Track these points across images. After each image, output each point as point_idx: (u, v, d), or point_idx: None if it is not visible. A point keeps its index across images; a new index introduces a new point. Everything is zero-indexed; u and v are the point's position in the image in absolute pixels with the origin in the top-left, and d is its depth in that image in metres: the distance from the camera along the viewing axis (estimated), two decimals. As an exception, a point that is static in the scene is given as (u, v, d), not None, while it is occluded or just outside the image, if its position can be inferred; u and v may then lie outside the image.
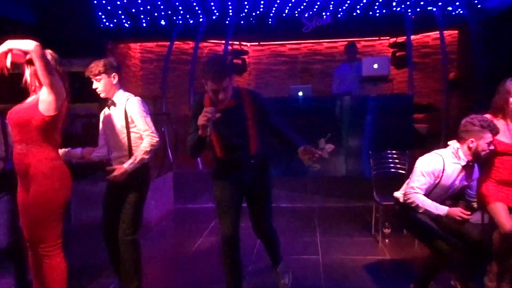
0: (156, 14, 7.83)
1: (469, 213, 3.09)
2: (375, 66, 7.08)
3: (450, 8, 7.69)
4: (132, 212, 3.39)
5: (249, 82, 10.74)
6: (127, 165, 3.23)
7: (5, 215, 3.35)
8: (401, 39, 9.31)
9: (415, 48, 9.23)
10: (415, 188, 3.21)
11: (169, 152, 7.21)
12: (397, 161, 5.24)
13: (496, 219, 3.33)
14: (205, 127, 2.88)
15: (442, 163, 3.23)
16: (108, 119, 3.44)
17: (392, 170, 5.21)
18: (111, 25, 7.95)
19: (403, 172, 5.15)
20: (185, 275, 4.26)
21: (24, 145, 2.81)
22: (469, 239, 3.25)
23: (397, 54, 9.48)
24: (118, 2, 7.13)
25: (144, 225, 5.76)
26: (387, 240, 5.02)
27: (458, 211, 3.08)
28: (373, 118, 6.75)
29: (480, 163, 3.38)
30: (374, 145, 6.44)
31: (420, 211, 3.17)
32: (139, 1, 7.14)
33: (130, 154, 3.36)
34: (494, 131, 3.14)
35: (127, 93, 3.48)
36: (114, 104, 3.41)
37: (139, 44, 9.55)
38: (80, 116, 6.38)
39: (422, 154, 3.46)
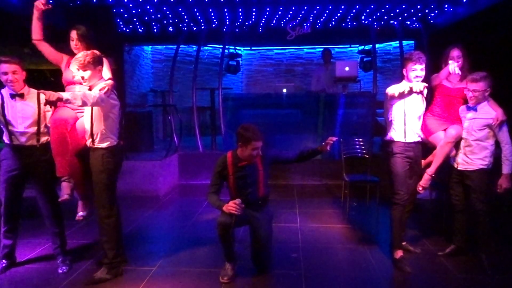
0: (165, 22, 7.74)
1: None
2: (346, 68, 7.05)
3: (408, 22, 7.72)
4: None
5: (242, 80, 10.68)
6: (66, 94, 2.76)
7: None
8: (368, 47, 9.33)
9: (379, 54, 9.25)
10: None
11: (175, 137, 7.18)
12: (362, 146, 5.26)
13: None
14: (231, 216, 3.03)
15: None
16: None
17: (358, 154, 5.25)
18: (128, 30, 7.86)
19: (367, 156, 5.18)
20: (188, 237, 4.27)
21: None
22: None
23: (365, 59, 9.53)
24: (134, 11, 7.02)
25: (154, 197, 5.81)
26: (353, 212, 5.09)
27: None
28: (343, 111, 6.75)
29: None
30: (344, 133, 6.46)
31: (396, 94, 3.44)
32: (151, 10, 7.03)
33: (92, 133, 3.14)
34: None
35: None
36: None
37: (150, 46, 9.46)
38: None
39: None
